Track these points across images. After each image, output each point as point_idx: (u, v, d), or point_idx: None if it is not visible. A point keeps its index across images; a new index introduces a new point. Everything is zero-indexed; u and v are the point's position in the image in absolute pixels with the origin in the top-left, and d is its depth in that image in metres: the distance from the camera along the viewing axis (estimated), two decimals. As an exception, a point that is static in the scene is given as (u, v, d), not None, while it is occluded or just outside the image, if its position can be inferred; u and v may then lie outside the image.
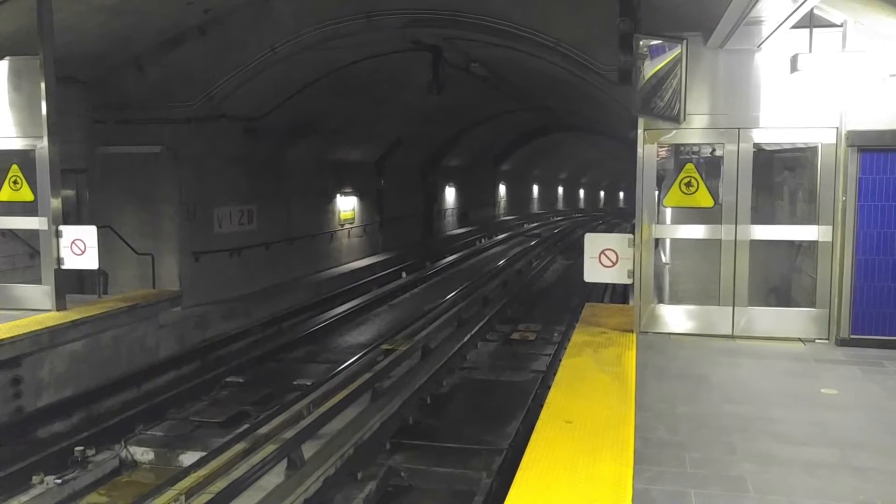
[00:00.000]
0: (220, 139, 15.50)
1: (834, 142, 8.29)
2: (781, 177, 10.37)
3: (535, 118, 29.03)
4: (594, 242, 8.80)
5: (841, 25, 8.07)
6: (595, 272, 8.76)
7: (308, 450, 8.67)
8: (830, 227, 8.38)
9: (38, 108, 10.65)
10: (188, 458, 8.99)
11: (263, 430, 9.05)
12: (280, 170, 18.34)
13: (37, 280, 11.24)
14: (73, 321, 10.46)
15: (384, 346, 13.79)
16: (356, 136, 21.45)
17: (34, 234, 11.55)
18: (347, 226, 22.63)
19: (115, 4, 11.47)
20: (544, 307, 18.85)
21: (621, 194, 74.38)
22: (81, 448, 8.94)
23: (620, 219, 51.54)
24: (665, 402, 6.51)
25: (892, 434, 5.84)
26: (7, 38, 10.97)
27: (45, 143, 10.66)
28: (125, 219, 14.36)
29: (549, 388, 6.89)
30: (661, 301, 9.46)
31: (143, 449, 9.28)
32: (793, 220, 9.85)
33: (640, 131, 8.62)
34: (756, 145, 8.61)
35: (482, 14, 13.21)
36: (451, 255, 28.02)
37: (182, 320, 13.52)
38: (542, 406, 6.35)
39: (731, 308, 8.66)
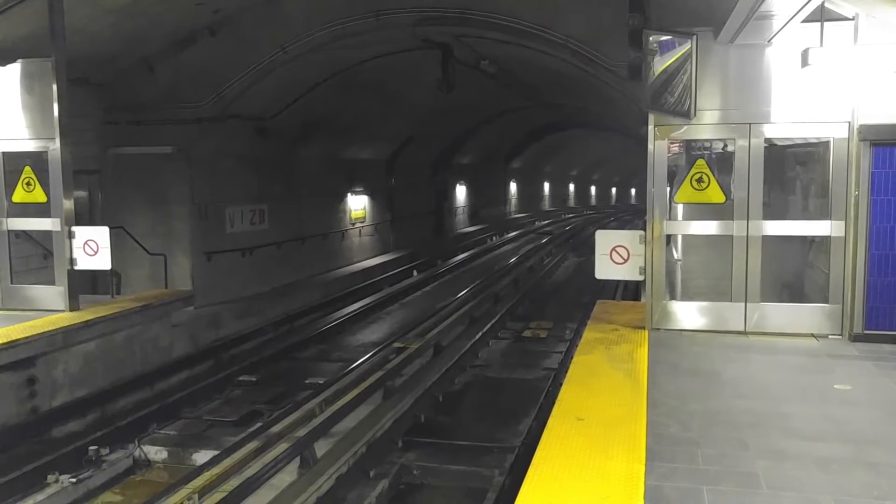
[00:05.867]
0: (231, 139, 15.55)
1: (846, 136, 8.24)
2: (793, 172, 10.32)
3: (546, 115, 28.96)
4: (605, 239, 8.78)
5: (852, 19, 8.01)
6: (606, 269, 8.75)
7: (321, 448, 8.70)
8: (843, 222, 8.33)
9: (50, 109, 10.73)
10: (201, 456, 9.04)
11: (276, 428, 9.09)
12: (291, 169, 18.38)
13: (50, 281, 11.32)
14: (86, 321, 10.53)
15: (396, 345, 13.81)
16: (367, 134, 21.47)
17: (47, 235, 11.65)
18: (358, 224, 22.66)
19: (125, 6, 11.52)
20: (556, 304, 18.83)
21: (633, 191, 74.11)
22: (95, 447, 9.01)
23: (633, 215, 51.41)
24: (677, 398, 6.49)
25: (906, 429, 5.80)
26: (19, 40, 11.05)
27: (57, 144, 10.74)
28: (137, 219, 14.43)
29: (561, 385, 6.89)
30: (672, 297, 9.43)
31: (156, 448, 9.33)
32: (805, 215, 9.79)
33: (650, 127, 8.60)
34: (767, 140, 8.57)
35: (491, 12, 13.21)
36: (463, 252, 28.01)
37: (194, 320, 13.58)
38: (553, 403, 6.34)
39: (743, 304, 8.62)
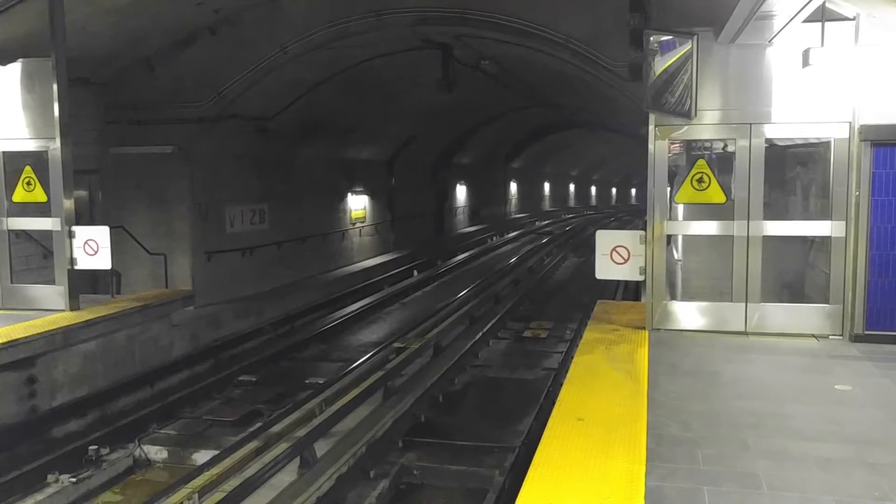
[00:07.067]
0: (231, 139, 15.54)
1: (847, 136, 8.23)
2: (794, 172, 10.31)
3: (546, 115, 28.95)
4: (605, 239, 8.78)
5: (853, 19, 8.01)
6: (607, 269, 8.74)
7: (321, 448, 8.69)
8: (844, 223, 8.32)
9: (50, 109, 10.72)
10: (201, 456, 9.04)
11: (276, 428, 9.09)
12: (291, 169, 18.38)
13: (50, 280, 11.33)
14: (86, 321, 10.52)
15: (396, 345, 13.80)
16: (367, 134, 21.47)
17: (48, 234, 11.65)
18: (359, 224, 22.65)
19: (125, 6, 11.52)
20: (556, 304, 18.82)
21: (633, 191, 74.13)
22: (96, 447, 8.99)
23: (633, 215, 51.41)
24: (677, 398, 6.48)
25: (907, 430, 5.79)
26: (20, 40, 11.04)
27: (57, 144, 10.73)
28: (138, 219, 14.42)
29: (562, 385, 6.88)
30: (673, 298, 9.43)
31: (156, 448, 9.33)
32: (806, 215, 9.78)
33: (651, 127, 8.60)
34: (768, 140, 8.56)
35: (492, 11, 13.19)
36: (463, 253, 28.01)
37: (195, 319, 13.57)
38: (554, 403, 6.34)
39: (743, 304, 8.62)
